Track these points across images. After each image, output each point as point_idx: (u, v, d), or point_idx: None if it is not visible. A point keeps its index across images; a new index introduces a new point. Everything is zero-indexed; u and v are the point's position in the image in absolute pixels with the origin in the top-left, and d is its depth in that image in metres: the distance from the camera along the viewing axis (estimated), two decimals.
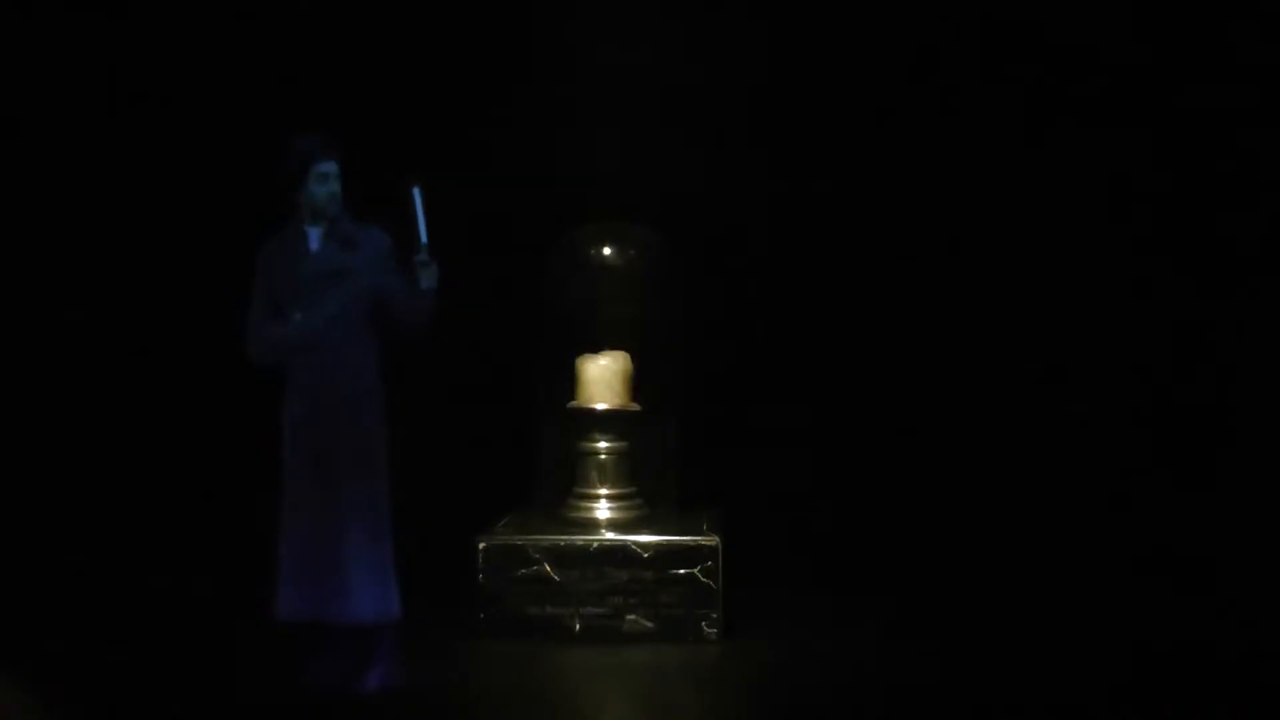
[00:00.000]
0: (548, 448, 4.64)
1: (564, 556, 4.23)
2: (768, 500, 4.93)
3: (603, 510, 4.41)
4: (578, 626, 4.21)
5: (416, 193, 3.77)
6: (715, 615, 4.20)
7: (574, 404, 4.47)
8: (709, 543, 4.21)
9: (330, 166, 3.74)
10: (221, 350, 4.03)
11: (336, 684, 3.71)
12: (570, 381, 4.49)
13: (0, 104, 5.00)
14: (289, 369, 3.78)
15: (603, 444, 4.43)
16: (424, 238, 3.76)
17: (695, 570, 4.20)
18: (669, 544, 4.22)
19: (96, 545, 4.84)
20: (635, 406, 4.45)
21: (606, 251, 4.77)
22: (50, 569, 4.68)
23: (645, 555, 4.21)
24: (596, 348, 4.51)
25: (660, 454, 4.60)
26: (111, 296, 5.08)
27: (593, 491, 4.43)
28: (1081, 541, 4.83)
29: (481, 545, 4.24)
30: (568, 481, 4.50)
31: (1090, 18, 4.93)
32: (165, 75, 5.07)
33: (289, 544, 3.72)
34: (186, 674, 3.96)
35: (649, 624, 4.20)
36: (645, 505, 4.47)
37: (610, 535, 4.28)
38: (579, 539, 4.26)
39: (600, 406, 4.42)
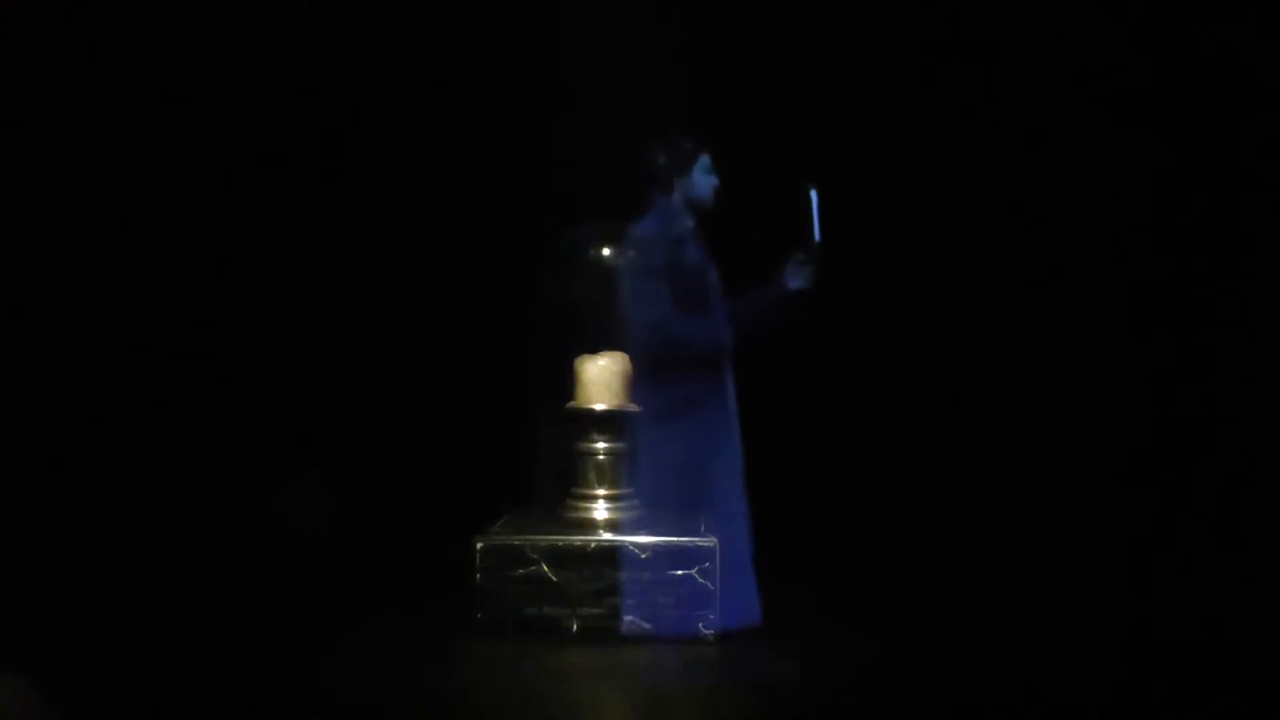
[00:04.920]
0: (546, 448, 4.64)
1: (561, 556, 4.24)
2: (767, 500, 4.92)
3: (600, 511, 4.41)
4: (575, 627, 4.22)
5: (814, 194, 3.81)
6: (712, 616, 4.20)
7: (572, 404, 4.47)
8: (706, 544, 4.22)
9: (708, 159, 3.68)
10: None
11: None
12: (569, 382, 4.48)
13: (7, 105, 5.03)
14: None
15: (601, 444, 4.44)
16: (818, 236, 3.80)
17: (693, 571, 4.20)
18: (666, 544, 4.23)
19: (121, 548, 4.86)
20: (634, 407, 4.45)
21: (606, 252, 4.77)
22: (56, 570, 4.70)
23: (643, 556, 4.22)
24: (595, 348, 4.51)
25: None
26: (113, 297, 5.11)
27: (591, 492, 4.43)
28: (1089, 542, 4.82)
29: (479, 545, 4.24)
30: (566, 482, 4.50)
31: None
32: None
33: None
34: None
35: (646, 624, 4.20)
36: (643, 506, 4.47)
37: (608, 536, 4.28)
38: (576, 539, 4.26)
39: (599, 407, 4.42)
